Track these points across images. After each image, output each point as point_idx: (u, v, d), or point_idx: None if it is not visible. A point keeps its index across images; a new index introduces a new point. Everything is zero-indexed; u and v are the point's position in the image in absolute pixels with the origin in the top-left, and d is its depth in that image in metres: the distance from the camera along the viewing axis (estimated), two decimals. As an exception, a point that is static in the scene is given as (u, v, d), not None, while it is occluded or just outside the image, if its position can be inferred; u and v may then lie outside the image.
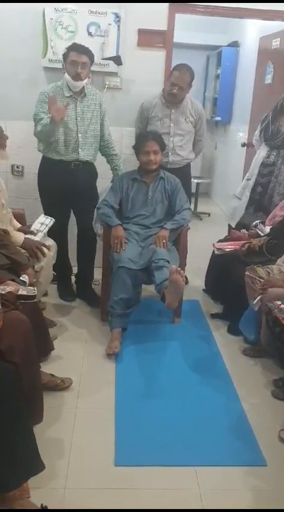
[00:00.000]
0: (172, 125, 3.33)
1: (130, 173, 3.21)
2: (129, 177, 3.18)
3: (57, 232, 3.15)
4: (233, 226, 3.47)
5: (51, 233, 3.06)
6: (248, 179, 3.56)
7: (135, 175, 3.17)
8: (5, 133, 2.71)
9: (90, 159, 3.17)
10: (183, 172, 3.46)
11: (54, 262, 2.96)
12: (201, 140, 3.55)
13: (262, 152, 3.43)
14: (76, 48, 2.94)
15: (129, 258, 2.89)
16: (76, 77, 2.93)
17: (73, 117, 3.04)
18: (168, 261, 2.83)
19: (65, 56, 2.97)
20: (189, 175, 3.64)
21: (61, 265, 3.33)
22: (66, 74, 2.98)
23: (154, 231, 3.10)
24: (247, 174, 3.60)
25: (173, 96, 3.26)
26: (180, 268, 2.67)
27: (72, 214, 3.35)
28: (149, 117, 3.36)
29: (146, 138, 3.10)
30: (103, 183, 3.37)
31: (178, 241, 3.15)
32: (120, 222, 3.07)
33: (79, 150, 3.09)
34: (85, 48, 2.95)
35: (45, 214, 3.07)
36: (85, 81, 3.00)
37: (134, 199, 3.16)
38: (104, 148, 3.25)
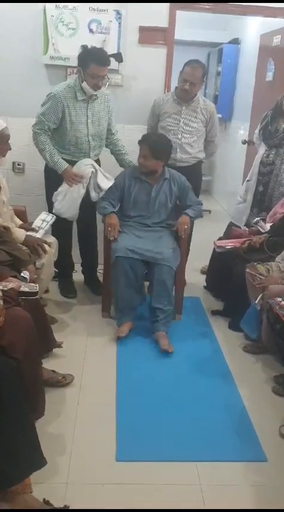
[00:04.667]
0: (182, 121, 3.31)
1: (133, 170, 3.20)
2: (131, 174, 3.18)
3: (62, 229, 3.17)
4: (241, 227, 3.47)
5: (55, 230, 3.07)
6: (248, 180, 3.57)
7: (138, 174, 3.16)
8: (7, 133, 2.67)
9: (98, 158, 3.19)
10: (193, 170, 3.43)
11: (55, 259, 2.97)
12: (213, 141, 3.51)
13: (261, 151, 3.44)
14: (99, 59, 2.87)
15: (126, 248, 2.92)
16: (96, 87, 2.94)
17: (84, 120, 3.03)
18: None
19: (84, 62, 2.89)
20: (200, 174, 3.60)
21: (64, 262, 3.34)
22: (84, 83, 2.93)
23: (155, 229, 3.12)
24: (248, 175, 3.60)
25: (185, 92, 3.24)
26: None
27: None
28: (160, 113, 3.35)
29: (142, 141, 3.05)
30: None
31: (180, 239, 3.15)
32: (114, 210, 3.13)
33: (90, 153, 3.11)
34: (106, 58, 2.92)
35: (50, 210, 3.08)
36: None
37: (136, 199, 3.16)
38: (110, 145, 3.28)
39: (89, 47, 2.95)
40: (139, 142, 3.06)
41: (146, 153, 3.02)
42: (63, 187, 3.06)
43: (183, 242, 3.13)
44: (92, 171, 3.06)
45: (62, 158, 3.05)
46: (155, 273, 2.93)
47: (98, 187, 3.10)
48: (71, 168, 3.02)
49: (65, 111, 2.97)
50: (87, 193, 3.13)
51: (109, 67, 3.42)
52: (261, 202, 3.44)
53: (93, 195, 3.14)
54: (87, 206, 3.22)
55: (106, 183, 3.12)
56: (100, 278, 3.44)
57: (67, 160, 3.06)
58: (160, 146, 3.05)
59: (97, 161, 3.21)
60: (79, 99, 2.98)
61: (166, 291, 2.94)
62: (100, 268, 3.48)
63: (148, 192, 3.15)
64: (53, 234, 3.09)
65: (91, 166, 3.06)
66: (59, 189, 3.08)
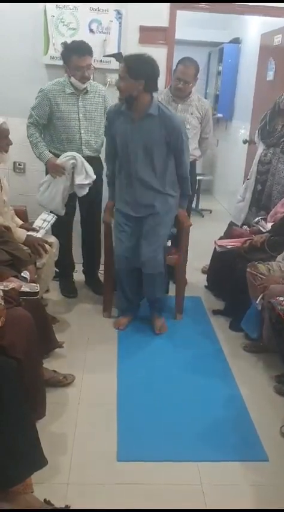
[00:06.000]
0: None
1: (120, 104, 2.77)
2: (118, 109, 2.76)
3: (62, 229, 3.17)
4: (240, 226, 3.48)
5: (56, 229, 3.07)
6: (248, 179, 3.58)
7: (122, 106, 2.73)
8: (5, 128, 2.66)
9: (95, 155, 3.18)
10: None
11: (56, 259, 2.97)
12: (207, 138, 3.54)
13: (259, 150, 3.45)
14: (77, 50, 2.90)
15: (125, 256, 2.90)
16: (83, 79, 2.96)
17: (75, 114, 3.04)
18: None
19: (66, 57, 2.94)
20: (194, 173, 3.61)
21: (64, 262, 3.34)
22: (72, 78, 2.96)
23: (148, 204, 2.82)
24: (248, 174, 3.61)
25: (179, 91, 3.29)
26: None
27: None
28: None
29: (122, 61, 2.68)
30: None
31: (180, 239, 3.14)
32: (112, 201, 3.03)
33: (83, 147, 3.10)
34: (85, 47, 2.93)
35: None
36: (91, 78, 3.02)
37: (118, 139, 2.78)
38: None
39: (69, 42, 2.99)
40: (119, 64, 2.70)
41: (123, 73, 2.58)
42: (47, 178, 3.08)
43: (184, 242, 3.12)
44: (73, 162, 3.00)
45: (55, 153, 3.05)
46: (144, 273, 2.93)
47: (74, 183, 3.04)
48: (54, 160, 3.03)
49: (53, 106, 3.00)
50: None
51: (109, 67, 3.44)
52: (259, 201, 3.45)
53: (79, 191, 3.09)
54: (91, 205, 3.23)
55: (81, 179, 3.02)
56: (101, 278, 3.45)
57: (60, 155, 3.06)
58: (139, 62, 2.57)
59: (97, 159, 3.19)
60: (68, 93, 3.00)
61: (153, 286, 2.96)
62: (101, 268, 3.49)
63: (131, 130, 2.70)
64: (53, 234, 3.09)
65: (72, 157, 3.00)
66: (43, 179, 3.11)
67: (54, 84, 3.04)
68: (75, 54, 2.90)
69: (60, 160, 3.02)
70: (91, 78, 3.11)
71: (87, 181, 3.04)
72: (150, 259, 2.84)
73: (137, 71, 2.55)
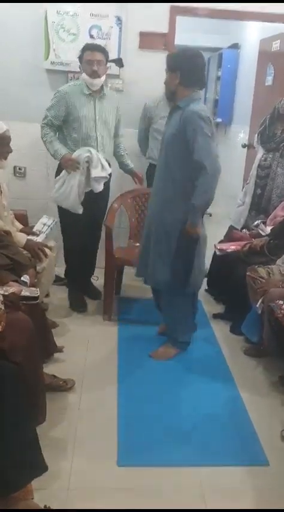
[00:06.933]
0: None
1: None
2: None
3: (76, 230, 3.16)
4: (239, 229, 3.48)
5: (68, 227, 3.07)
6: (247, 183, 3.59)
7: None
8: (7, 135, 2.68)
9: (107, 158, 3.17)
10: None
11: (56, 263, 2.97)
12: None
13: (259, 154, 3.46)
14: (89, 47, 2.98)
15: (140, 268, 2.80)
16: (94, 74, 2.95)
17: (92, 116, 3.04)
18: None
19: (80, 57, 3.00)
20: None
21: (73, 266, 3.33)
22: (83, 74, 2.99)
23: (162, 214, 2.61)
24: (248, 179, 3.62)
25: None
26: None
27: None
28: (152, 116, 3.39)
29: None
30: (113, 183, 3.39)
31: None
32: None
33: (99, 149, 3.08)
34: (98, 45, 3.00)
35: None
36: (103, 78, 3.02)
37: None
38: (114, 147, 3.27)
39: None
40: None
41: (166, 67, 2.61)
42: (62, 174, 3.06)
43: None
44: (88, 156, 2.97)
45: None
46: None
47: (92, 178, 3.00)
48: (69, 155, 2.99)
49: (70, 107, 2.99)
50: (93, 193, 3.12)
51: (110, 72, 3.44)
52: (259, 205, 3.46)
53: (95, 186, 3.05)
54: (96, 211, 3.22)
55: (98, 171, 2.99)
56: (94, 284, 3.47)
57: None
58: (176, 54, 2.60)
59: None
60: (86, 93, 3.01)
61: (169, 308, 2.80)
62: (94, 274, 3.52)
63: (166, 124, 2.66)
64: (64, 236, 3.11)
65: (87, 151, 2.98)
66: (58, 176, 3.08)
67: (71, 86, 3.06)
68: (87, 49, 2.97)
69: (74, 155, 2.99)
70: (103, 79, 3.05)
71: (103, 174, 3.01)
72: (149, 273, 2.71)
73: (172, 63, 2.55)
